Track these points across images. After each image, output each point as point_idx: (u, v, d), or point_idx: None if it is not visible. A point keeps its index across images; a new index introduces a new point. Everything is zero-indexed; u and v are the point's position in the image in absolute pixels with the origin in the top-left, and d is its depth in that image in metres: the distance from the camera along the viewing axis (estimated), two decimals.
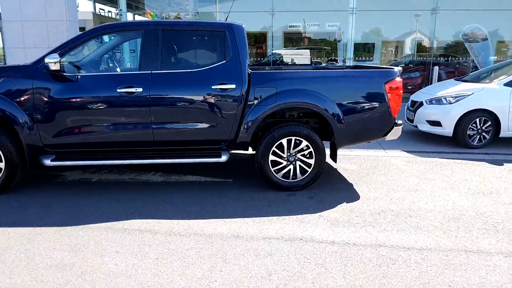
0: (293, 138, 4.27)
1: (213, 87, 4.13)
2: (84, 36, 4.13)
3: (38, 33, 8.88)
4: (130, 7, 15.84)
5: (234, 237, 3.36)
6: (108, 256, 3.03)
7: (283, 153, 4.31)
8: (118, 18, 12.13)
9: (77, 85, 4.06)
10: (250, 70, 4.30)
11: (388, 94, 4.30)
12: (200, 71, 4.16)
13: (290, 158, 4.34)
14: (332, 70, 4.81)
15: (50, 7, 8.78)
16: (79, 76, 4.09)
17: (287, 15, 13.64)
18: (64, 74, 4.04)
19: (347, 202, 4.13)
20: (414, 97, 7.25)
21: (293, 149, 4.31)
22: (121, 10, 11.57)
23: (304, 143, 4.29)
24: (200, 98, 4.15)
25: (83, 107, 4.07)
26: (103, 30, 4.20)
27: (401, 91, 4.37)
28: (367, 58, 14.18)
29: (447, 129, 6.47)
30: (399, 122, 4.56)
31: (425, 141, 6.84)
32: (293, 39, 15.45)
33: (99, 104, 4.07)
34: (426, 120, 6.70)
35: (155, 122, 4.14)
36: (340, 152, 6.05)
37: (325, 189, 4.51)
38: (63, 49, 4.07)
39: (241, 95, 4.17)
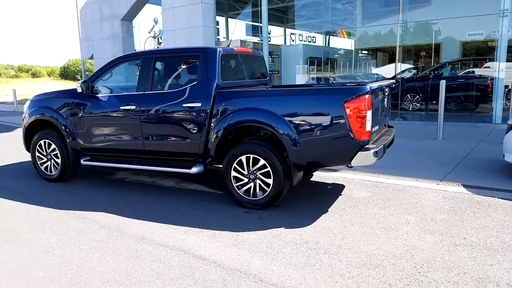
0: (251, 156, 4.31)
1: (184, 105, 4.59)
2: (106, 67, 5.24)
3: (184, 36, 10.93)
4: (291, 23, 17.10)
5: (140, 238, 3.77)
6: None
7: (244, 170, 4.39)
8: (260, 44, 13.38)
9: (97, 103, 5.19)
10: (224, 90, 4.55)
11: (348, 115, 3.84)
12: (176, 91, 4.70)
13: (250, 176, 4.37)
14: (290, 88, 4.53)
15: (192, 17, 10.67)
16: (99, 97, 5.20)
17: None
18: (89, 95, 5.22)
19: (286, 228, 3.92)
20: None
21: (252, 166, 4.33)
22: (261, 36, 12.76)
23: (262, 161, 4.26)
24: (175, 115, 4.67)
25: (99, 119, 5.17)
26: (118, 61, 5.21)
27: (365, 112, 3.83)
28: None
29: None
30: (371, 146, 3.97)
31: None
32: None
33: (109, 118, 5.09)
34: None
35: (144, 134, 4.88)
36: (372, 178, 5.48)
37: (291, 211, 4.33)
38: (91, 77, 5.28)
39: (206, 112, 4.49)
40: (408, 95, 12.95)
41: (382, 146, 4.12)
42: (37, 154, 5.75)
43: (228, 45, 5.24)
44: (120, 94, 5.11)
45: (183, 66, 4.85)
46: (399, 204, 4.48)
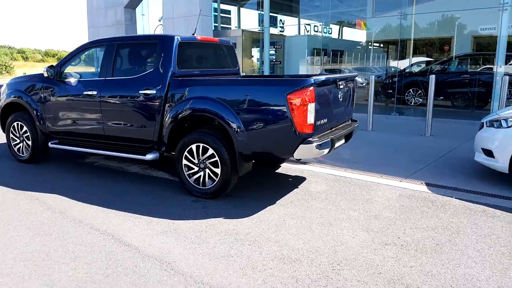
0: (201, 144, 4.29)
1: (140, 91, 4.60)
2: (73, 52, 5.29)
3: (183, 25, 10.95)
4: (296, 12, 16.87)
5: (78, 221, 3.83)
6: None
7: (194, 158, 4.38)
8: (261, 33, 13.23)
9: (64, 87, 5.25)
10: (179, 78, 4.54)
11: (290, 107, 3.77)
12: (134, 77, 4.71)
13: (200, 165, 4.36)
14: (236, 78, 4.46)
15: (191, 5, 10.65)
16: (66, 81, 5.26)
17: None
18: (57, 79, 5.29)
19: (225, 218, 3.90)
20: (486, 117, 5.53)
21: (202, 156, 4.32)
22: (262, 26, 12.62)
23: (211, 151, 4.24)
24: (132, 101, 4.69)
25: (65, 104, 5.24)
26: (85, 47, 5.25)
27: (308, 104, 3.74)
28: None
29: (500, 162, 4.76)
30: (314, 139, 3.89)
31: (482, 177, 5.18)
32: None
33: (74, 103, 5.16)
34: (482, 148, 5.07)
35: (104, 119, 4.92)
36: (337, 172, 5.40)
37: (239, 202, 4.31)
38: (60, 62, 5.34)
39: (160, 100, 4.49)
40: (410, 90, 12.64)
41: (328, 139, 4.03)
42: (11, 135, 5.90)
43: (193, 34, 5.19)
44: (85, 79, 5.15)
45: (142, 54, 4.86)
46: (350, 200, 4.40)
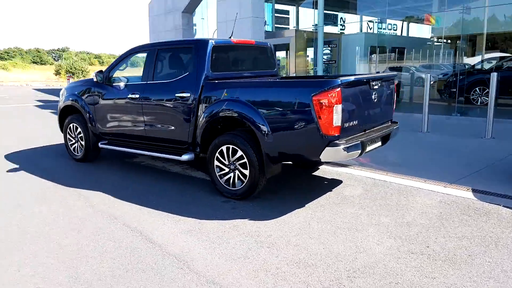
0: (231, 146, 4.35)
1: (176, 94, 4.77)
2: (120, 58, 5.61)
3: (236, 27, 11.15)
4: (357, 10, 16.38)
5: (113, 217, 4.05)
6: None
7: (225, 160, 4.45)
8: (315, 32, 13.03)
9: (111, 91, 5.59)
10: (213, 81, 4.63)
11: (315, 108, 3.70)
12: (172, 81, 4.88)
13: (231, 166, 4.42)
14: (263, 80, 4.39)
15: (242, 8, 10.83)
16: (114, 85, 5.59)
17: None
18: (106, 83, 5.64)
19: (250, 219, 3.92)
20: None
21: (232, 157, 4.38)
22: (316, 25, 12.44)
23: (240, 152, 4.29)
24: (169, 104, 4.87)
25: (112, 106, 5.57)
26: (130, 52, 5.52)
27: (334, 106, 3.64)
28: None
29: None
30: (340, 142, 3.76)
31: None
32: None
33: (120, 105, 5.47)
34: None
35: (145, 121, 5.17)
36: (377, 176, 5.20)
37: (268, 204, 4.31)
38: (108, 68, 5.69)
39: (194, 102, 4.62)
40: (477, 89, 11.76)
41: (358, 142, 3.90)
42: (67, 136, 6.39)
43: (230, 37, 5.27)
44: (129, 83, 5.43)
45: (179, 58, 5.03)
46: (385, 205, 4.21)
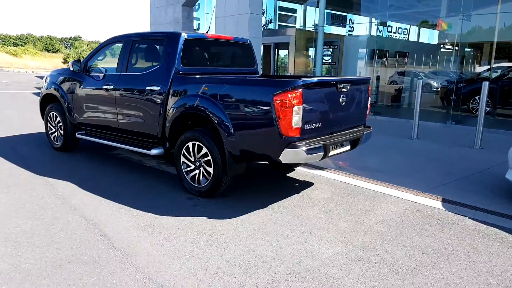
0: (196, 143, 4.31)
1: (146, 87, 4.73)
2: (98, 48, 5.59)
3: (233, 23, 11.10)
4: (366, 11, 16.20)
5: (73, 208, 4.03)
6: None
7: (191, 156, 4.41)
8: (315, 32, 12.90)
9: (88, 81, 5.58)
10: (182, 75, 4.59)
11: (276, 108, 3.63)
12: (143, 73, 4.85)
13: (196, 163, 4.38)
14: (230, 77, 4.33)
15: (240, 4, 10.79)
16: (91, 75, 5.57)
17: None
18: (81, 73, 5.63)
19: (207, 217, 3.88)
20: None
21: (197, 154, 4.34)
22: (317, 25, 12.31)
23: (204, 149, 4.25)
24: (140, 97, 4.83)
25: (88, 96, 5.56)
26: (107, 42, 5.51)
27: (294, 106, 3.57)
28: None
29: None
30: (300, 144, 3.70)
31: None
32: None
33: (95, 96, 5.45)
34: None
35: (118, 113, 5.14)
36: (350, 180, 5.13)
37: (231, 203, 4.26)
38: (86, 57, 5.68)
39: (163, 96, 4.58)
40: (476, 97, 11.57)
41: (320, 145, 3.83)
42: (48, 124, 6.40)
43: (206, 32, 5.22)
44: (105, 74, 5.41)
45: (153, 50, 4.99)
46: (348, 210, 4.15)
